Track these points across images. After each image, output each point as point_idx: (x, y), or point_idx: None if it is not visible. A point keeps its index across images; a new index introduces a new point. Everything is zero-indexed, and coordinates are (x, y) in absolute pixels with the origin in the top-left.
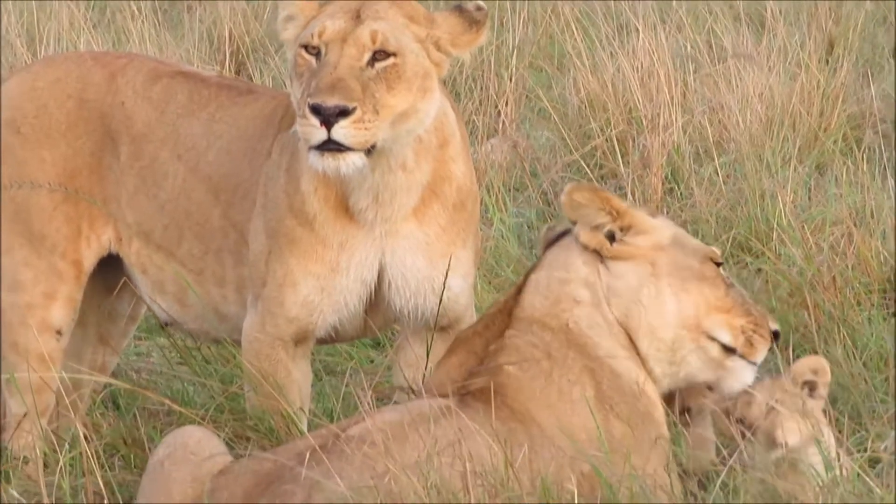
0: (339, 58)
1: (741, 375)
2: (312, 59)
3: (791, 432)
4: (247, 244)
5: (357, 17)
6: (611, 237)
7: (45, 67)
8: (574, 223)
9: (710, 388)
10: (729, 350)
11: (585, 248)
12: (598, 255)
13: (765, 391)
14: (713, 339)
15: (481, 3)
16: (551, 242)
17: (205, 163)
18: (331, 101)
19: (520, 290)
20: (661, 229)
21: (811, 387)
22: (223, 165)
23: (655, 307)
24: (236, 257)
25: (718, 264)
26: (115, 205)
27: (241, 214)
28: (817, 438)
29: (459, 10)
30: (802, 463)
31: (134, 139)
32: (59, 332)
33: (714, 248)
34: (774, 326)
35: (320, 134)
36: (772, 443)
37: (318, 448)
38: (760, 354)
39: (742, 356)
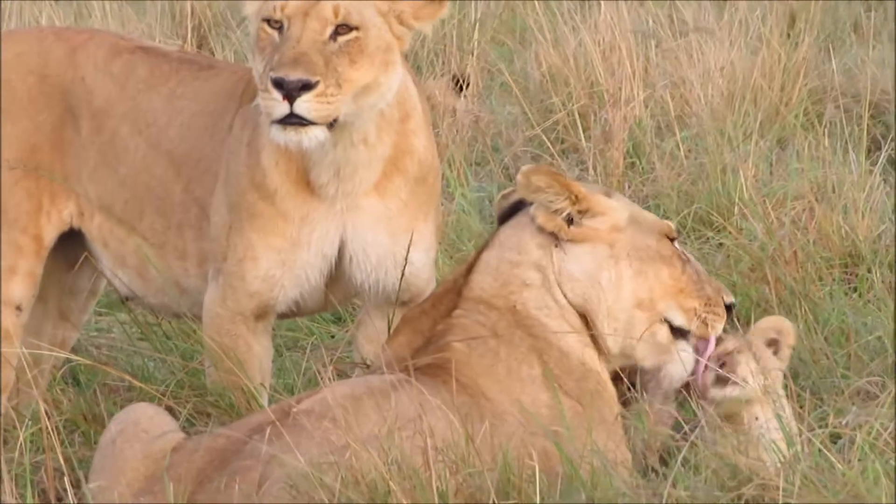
0: (301, 32)
1: (682, 365)
2: (275, 33)
3: (746, 371)
4: (208, 218)
5: None
6: (569, 220)
7: (6, 43)
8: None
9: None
10: (681, 333)
11: (541, 229)
12: (554, 236)
13: (727, 339)
14: (665, 321)
15: None
16: (506, 213)
17: (166, 138)
18: (293, 75)
19: (470, 269)
20: (617, 210)
21: (775, 347)
22: (184, 140)
23: (614, 290)
24: (197, 231)
25: (673, 239)
26: (77, 179)
27: (203, 189)
28: (779, 414)
29: None
30: (764, 431)
31: (95, 114)
32: (18, 308)
33: (669, 223)
34: (729, 299)
35: (282, 108)
36: (727, 379)
37: (275, 422)
38: (717, 330)
39: (698, 336)
